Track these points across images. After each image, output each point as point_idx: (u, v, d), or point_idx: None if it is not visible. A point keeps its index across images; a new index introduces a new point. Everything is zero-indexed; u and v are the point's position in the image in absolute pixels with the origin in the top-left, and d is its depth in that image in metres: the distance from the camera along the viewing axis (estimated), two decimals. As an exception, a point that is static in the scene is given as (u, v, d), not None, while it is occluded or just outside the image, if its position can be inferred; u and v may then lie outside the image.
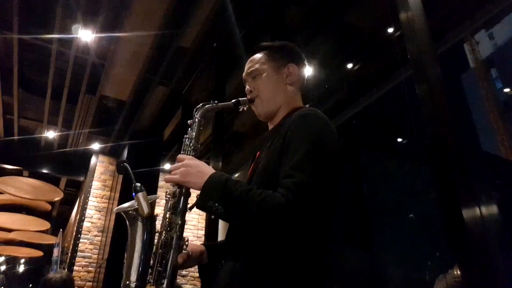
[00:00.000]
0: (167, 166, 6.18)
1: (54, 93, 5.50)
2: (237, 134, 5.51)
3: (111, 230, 5.68)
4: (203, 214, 5.28)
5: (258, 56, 1.29)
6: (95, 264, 6.23)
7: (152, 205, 1.08)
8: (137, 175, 1.09)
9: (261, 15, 3.79)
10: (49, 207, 9.23)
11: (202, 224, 6.02)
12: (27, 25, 4.42)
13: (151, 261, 1.03)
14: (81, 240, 6.28)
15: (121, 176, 6.26)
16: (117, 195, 6.10)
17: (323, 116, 1.10)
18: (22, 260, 15.35)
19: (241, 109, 1.25)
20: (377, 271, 3.29)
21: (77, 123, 6.26)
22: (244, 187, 0.95)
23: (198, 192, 1.00)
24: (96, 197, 6.63)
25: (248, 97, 1.26)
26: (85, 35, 4.37)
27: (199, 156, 1.14)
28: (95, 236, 6.39)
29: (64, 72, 5.08)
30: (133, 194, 1.06)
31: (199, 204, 0.98)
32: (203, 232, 5.41)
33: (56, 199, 8.39)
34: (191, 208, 1.06)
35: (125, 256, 1.06)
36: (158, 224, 1.08)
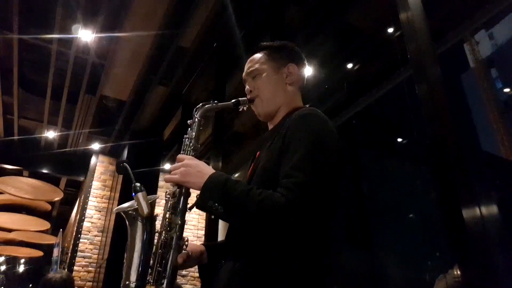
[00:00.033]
0: (167, 166, 6.18)
1: (54, 93, 5.50)
2: (237, 134, 5.51)
3: (111, 230, 5.68)
4: (203, 214, 5.28)
5: (258, 56, 1.29)
6: (95, 264, 6.23)
7: (152, 205, 1.08)
8: (137, 175, 1.09)
9: (261, 15, 3.79)
10: (49, 207, 9.22)
11: (202, 224, 6.02)
12: (27, 25, 4.42)
13: (151, 261, 1.02)
14: (81, 240, 6.28)
15: (121, 176, 6.26)
16: (117, 195, 6.10)
17: (323, 116, 1.10)
18: (22, 260, 15.35)
19: (241, 109, 1.24)
20: (377, 271, 3.29)
21: (77, 123, 6.26)
22: (244, 187, 0.95)
23: (198, 192, 1.00)
24: (96, 197, 6.63)
25: (248, 97, 1.26)
26: (85, 35, 4.37)
27: (199, 156, 1.14)
28: (95, 236, 6.39)
29: (64, 72, 5.08)
30: (133, 194, 1.06)
31: (199, 204, 0.98)
32: (203, 232, 5.41)
33: (56, 199, 8.39)
34: (191, 208, 1.06)
35: (125, 256, 1.06)
36: (158, 224, 1.08)
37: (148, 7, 4.06)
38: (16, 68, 4.96)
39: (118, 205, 1.14)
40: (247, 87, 1.28)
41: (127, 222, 1.09)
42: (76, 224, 6.91)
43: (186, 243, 1.04)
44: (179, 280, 6.08)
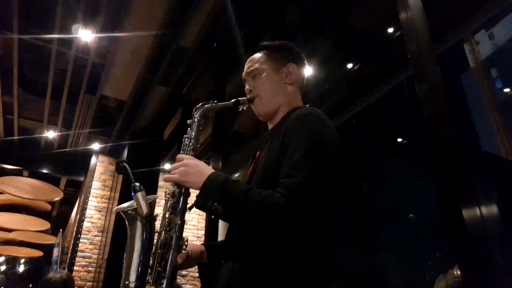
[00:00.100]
0: (167, 166, 6.18)
1: (54, 93, 5.50)
2: (237, 134, 5.51)
3: (111, 230, 5.68)
4: (203, 214, 5.28)
5: (258, 55, 1.29)
6: (95, 264, 6.23)
7: (151, 205, 1.08)
8: (137, 175, 1.09)
9: (261, 15, 3.79)
10: (49, 207, 9.22)
11: (202, 224, 6.02)
12: (27, 25, 4.42)
13: (151, 261, 1.02)
14: (81, 240, 6.28)
15: (121, 176, 6.26)
16: (117, 195, 6.10)
17: (323, 116, 1.10)
18: (22, 260, 15.34)
19: (240, 109, 1.24)
20: (377, 271, 3.29)
21: (77, 123, 6.26)
22: (244, 187, 0.95)
23: (198, 191, 1.00)
24: (96, 197, 6.64)
25: (248, 96, 1.26)
26: (85, 35, 4.37)
27: (198, 156, 1.14)
28: (95, 236, 6.39)
29: (64, 72, 5.08)
30: (132, 194, 1.06)
31: (198, 204, 0.98)
32: (203, 232, 5.41)
33: (56, 199, 8.39)
34: (190, 208, 1.06)
35: (125, 256, 1.06)
36: (158, 224, 1.08)
37: (148, 7, 4.06)
38: (16, 68, 4.96)
39: (118, 205, 1.14)
40: (246, 86, 1.28)
41: (126, 222, 1.09)
42: (76, 224, 6.91)
43: (186, 243, 1.04)
44: (179, 280, 6.08)
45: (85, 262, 6.20)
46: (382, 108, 3.53)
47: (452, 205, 1.57)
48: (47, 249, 10.44)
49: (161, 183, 5.89)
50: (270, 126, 1.28)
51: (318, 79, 3.76)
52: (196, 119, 1.19)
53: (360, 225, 3.50)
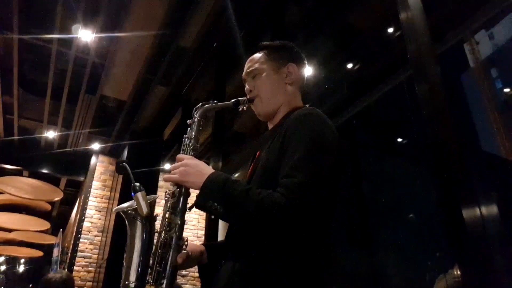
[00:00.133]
0: (167, 166, 6.18)
1: (54, 93, 5.50)
2: (237, 134, 5.51)
3: (111, 230, 5.68)
4: (203, 214, 5.28)
5: (257, 55, 1.29)
6: (95, 264, 6.23)
7: (151, 205, 1.07)
8: (137, 175, 1.09)
9: (261, 15, 3.79)
10: (49, 207, 9.22)
11: (202, 224, 6.02)
12: (27, 25, 4.42)
13: (151, 261, 1.02)
14: (81, 240, 6.28)
15: (121, 176, 6.26)
16: (117, 195, 6.10)
17: (323, 116, 1.10)
18: (22, 260, 15.34)
19: (240, 109, 1.24)
20: (377, 271, 3.29)
21: (77, 123, 6.26)
22: (243, 187, 0.95)
23: (198, 191, 1.00)
24: (96, 197, 6.64)
25: (248, 96, 1.26)
26: (85, 35, 4.37)
27: (198, 156, 1.14)
28: (95, 236, 6.39)
29: (64, 72, 5.08)
30: (132, 194, 1.06)
31: (198, 204, 0.98)
32: (203, 232, 5.41)
33: (56, 199, 8.39)
34: (190, 208, 1.06)
35: (125, 256, 1.06)
36: (158, 224, 1.08)
37: (148, 7, 4.06)
38: (16, 68, 4.96)
39: (118, 205, 1.14)
40: (246, 86, 1.28)
41: (126, 222, 1.09)
42: (76, 224, 6.91)
43: (186, 243, 1.04)
44: (179, 280, 6.08)
45: (85, 262, 6.20)
46: (382, 108, 3.53)
47: (452, 205, 1.57)
48: (47, 249, 10.44)
49: (161, 183, 5.89)
50: (270, 126, 1.28)
51: (318, 79, 3.76)
52: (196, 119, 1.19)
53: (360, 225, 3.49)
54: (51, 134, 6.67)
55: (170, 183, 1.08)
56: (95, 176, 6.74)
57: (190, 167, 1.04)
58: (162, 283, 0.98)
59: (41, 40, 4.66)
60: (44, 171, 7.28)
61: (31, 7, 4.25)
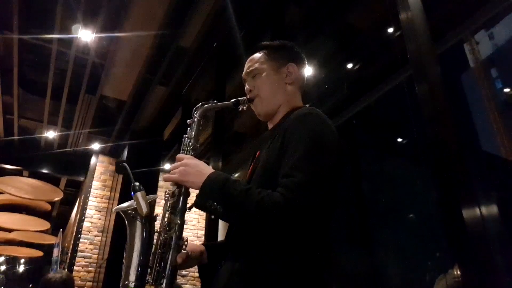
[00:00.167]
0: (167, 166, 6.18)
1: (54, 93, 5.50)
2: (237, 134, 5.51)
3: (111, 230, 5.68)
4: (203, 214, 5.28)
5: (257, 55, 1.29)
6: (95, 264, 6.23)
7: (151, 205, 1.07)
8: (137, 175, 1.09)
9: (261, 15, 3.79)
10: (49, 207, 9.23)
11: (202, 224, 6.02)
12: (27, 25, 4.42)
13: (150, 261, 1.02)
14: (81, 240, 6.28)
15: (121, 176, 6.26)
16: (117, 195, 6.10)
17: (323, 116, 1.10)
18: (22, 260, 15.35)
19: (240, 109, 1.24)
20: (377, 271, 3.29)
21: (77, 123, 6.26)
22: (243, 187, 0.95)
23: (197, 191, 1.00)
24: (96, 197, 6.64)
25: (248, 96, 1.25)
26: (85, 35, 4.37)
27: (198, 156, 1.14)
28: (95, 236, 6.39)
29: (64, 72, 5.08)
30: (132, 193, 1.06)
31: (198, 204, 0.98)
32: (203, 232, 5.41)
33: (56, 199, 8.39)
34: (190, 208, 1.06)
35: (124, 256, 1.06)
36: (158, 224, 1.08)
37: (148, 7, 4.06)
38: (16, 68, 4.96)
39: (118, 205, 1.14)
40: (246, 86, 1.28)
41: (126, 222, 1.09)
42: (76, 224, 6.91)
43: (186, 243, 1.03)
44: (179, 280, 6.08)
45: (85, 262, 6.20)
46: (382, 108, 3.53)
47: (452, 205, 1.57)
48: (47, 249, 10.44)
49: (161, 183, 5.88)
50: (270, 126, 1.28)
51: (318, 79, 3.76)
52: (196, 119, 1.19)
53: (360, 225, 3.49)
54: (51, 134, 6.67)
55: (170, 183, 1.08)
56: (95, 176, 6.74)
57: (190, 167, 1.04)
58: (162, 283, 0.97)
59: (41, 40, 4.66)
60: (44, 171, 7.28)
61: (31, 7, 4.25)
